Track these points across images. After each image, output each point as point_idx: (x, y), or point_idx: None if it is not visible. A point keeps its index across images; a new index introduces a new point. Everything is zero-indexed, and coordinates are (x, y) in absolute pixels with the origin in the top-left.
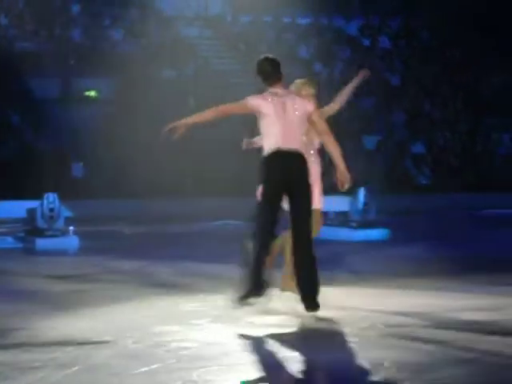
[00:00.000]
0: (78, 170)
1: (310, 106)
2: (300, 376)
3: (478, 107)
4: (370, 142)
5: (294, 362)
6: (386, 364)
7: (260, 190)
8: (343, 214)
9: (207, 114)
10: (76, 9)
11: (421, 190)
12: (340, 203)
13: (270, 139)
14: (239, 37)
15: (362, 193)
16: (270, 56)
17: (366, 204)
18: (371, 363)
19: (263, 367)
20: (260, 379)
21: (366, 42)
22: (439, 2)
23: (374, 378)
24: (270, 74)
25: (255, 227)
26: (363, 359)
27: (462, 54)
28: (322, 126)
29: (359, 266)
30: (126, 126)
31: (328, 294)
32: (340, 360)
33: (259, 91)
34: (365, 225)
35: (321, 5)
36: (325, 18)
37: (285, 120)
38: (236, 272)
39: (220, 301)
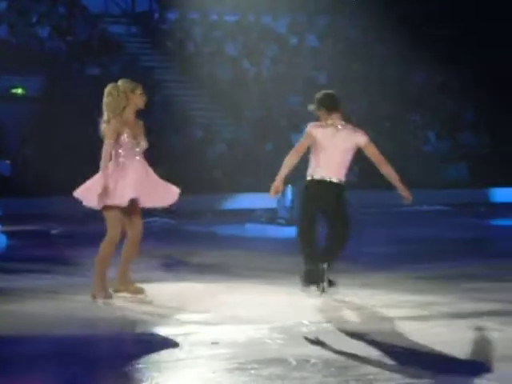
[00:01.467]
0: (4, 167)
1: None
2: (225, 373)
3: (404, 104)
4: (297, 139)
5: (222, 359)
6: (312, 360)
7: None
8: (271, 211)
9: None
10: (3, 5)
11: (348, 186)
12: (267, 201)
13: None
14: (166, 34)
15: (289, 190)
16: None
17: (293, 201)
18: (297, 360)
19: (194, 364)
20: (186, 377)
21: (294, 40)
22: (364, 1)
23: (300, 374)
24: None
25: None
26: (290, 356)
27: (387, 51)
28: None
29: (285, 263)
30: (54, 124)
31: (251, 291)
32: (266, 357)
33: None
34: (292, 222)
35: (248, 2)
36: (252, 15)
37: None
38: (161, 271)
39: (146, 299)
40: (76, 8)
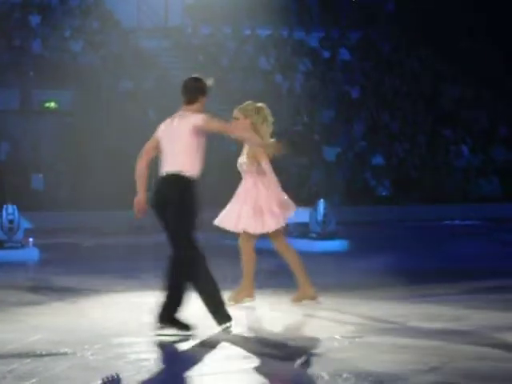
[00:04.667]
0: (37, 181)
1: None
2: None
3: (437, 119)
4: (329, 153)
5: (252, 373)
6: (344, 375)
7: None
8: (303, 225)
9: (140, 168)
10: (35, 20)
11: (380, 201)
12: (300, 214)
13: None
14: (199, 48)
15: (321, 204)
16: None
17: (325, 215)
18: (330, 374)
19: (223, 379)
20: None
21: (326, 54)
22: (398, 15)
23: None
24: None
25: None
26: (322, 370)
27: (420, 66)
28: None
29: (317, 277)
30: (86, 138)
31: (282, 305)
32: (299, 372)
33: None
34: (324, 236)
35: (280, 17)
36: (285, 30)
37: None
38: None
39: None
40: (109, 22)
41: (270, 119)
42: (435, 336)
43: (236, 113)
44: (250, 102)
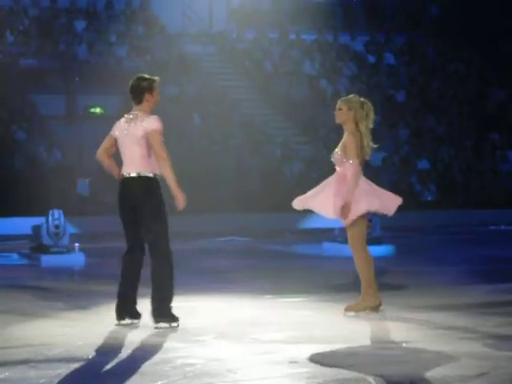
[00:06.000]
0: (83, 186)
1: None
2: None
3: (482, 123)
4: (375, 157)
5: (301, 378)
6: (393, 380)
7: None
8: None
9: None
10: (81, 25)
11: (426, 206)
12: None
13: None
14: (244, 53)
15: None
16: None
17: (370, 221)
18: (378, 378)
19: None
20: None
21: (372, 59)
22: (442, 19)
23: None
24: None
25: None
26: (369, 376)
27: (466, 69)
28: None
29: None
30: None
31: (329, 310)
32: (345, 377)
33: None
34: (370, 241)
35: (325, 21)
36: (330, 35)
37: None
38: (240, 288)
39: (224, 317)
40: (154, 27)
41: (372, 116)
42: (484, 341)
43: (340, 104)
44: (354, 94)
